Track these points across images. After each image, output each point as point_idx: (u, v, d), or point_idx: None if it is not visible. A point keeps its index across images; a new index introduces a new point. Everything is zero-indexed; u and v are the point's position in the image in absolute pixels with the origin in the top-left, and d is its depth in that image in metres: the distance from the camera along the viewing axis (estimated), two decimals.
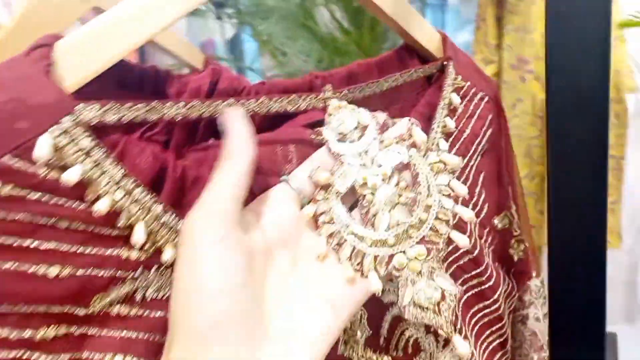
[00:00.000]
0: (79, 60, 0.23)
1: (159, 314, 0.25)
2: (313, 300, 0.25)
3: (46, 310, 0.22)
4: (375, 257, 0.27)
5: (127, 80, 0.27)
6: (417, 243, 0.27)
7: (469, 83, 0.43)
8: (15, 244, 0.21)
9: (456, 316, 0.42)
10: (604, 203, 0.32)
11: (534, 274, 0.52)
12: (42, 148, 0.21)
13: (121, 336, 0.24)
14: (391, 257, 0.27)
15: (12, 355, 0.21)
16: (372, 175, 0.28)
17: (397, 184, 0.28)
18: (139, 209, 0.24)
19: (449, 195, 0.28)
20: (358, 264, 0.26)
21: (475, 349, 0.46)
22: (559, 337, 0.35)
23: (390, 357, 0.36)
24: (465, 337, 0.43)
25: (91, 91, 0.24)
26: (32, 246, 0.21)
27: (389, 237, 0.27)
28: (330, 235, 0.27)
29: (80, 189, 0.22)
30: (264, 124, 0.33)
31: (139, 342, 0.24)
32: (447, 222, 0.27)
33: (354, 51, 1.02)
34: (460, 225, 0.42)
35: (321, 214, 0.27)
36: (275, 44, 1.11)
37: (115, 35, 0.24)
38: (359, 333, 0.33)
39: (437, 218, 0.27)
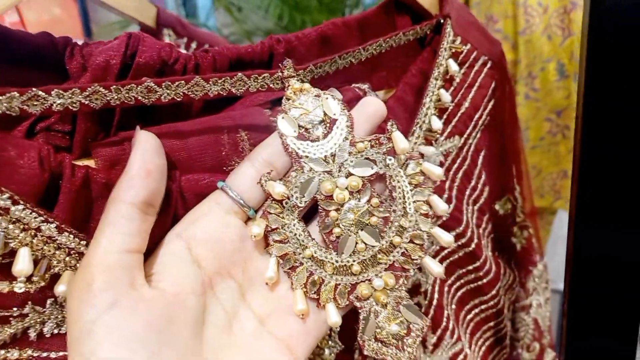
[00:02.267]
0: None
1: (61, 354, 0.20)
2: (264, 344, 0.19)
3: None
4: (336, 286, 0.21)
5: (14, 53, 0.20)
6: (386, 270, 0.22)
7: (469, 46, 0.36)
8: None
9: (448, 317, 0.37)
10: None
11: (537, 259, 0.47)
12: None
13: None
14: (354, 286, 0.22)
15: None
16: (339, 188, 0.22)
17: (369, 201, 0.22)
18: (22, 231, 0.18)
19: (427, 215, 0.23)
20: (314, 293, 0.21)
21: (470, 347, 0.41)
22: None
23: None
24: (459, 339, 0.38)
25: None
26: None
27: (354, 263, 0.22)
28: (283, 257, 0.21)
29: None
30: (209, 103, 0.26)
31: None
32: (421, 246, 0.23)
33: (315, 6, 0.93)
34: (455, 216, 0.36)
35: (273, 230, 0.21)
36: None
37: None
38: (326, 351, 0.28)
39: (411, 242, 0.22)
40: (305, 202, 0.22)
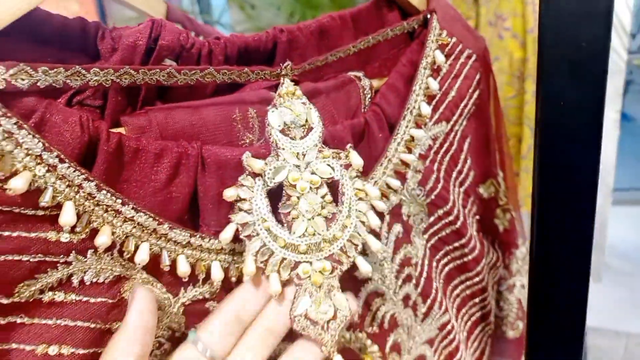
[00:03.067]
0: None
1: (99, 299, 0.22)
2: None
3: None
4: (283, 260, 0.26)
5: (46, 35, 0.23)
6: (325, 258, 0.27)
7: (454, 39, 0.39)
8: None
9: (436, 289, 0.40)
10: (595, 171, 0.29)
11: (520, 243, 0.50)
12: None
13: (56, 324, 0.22)
14: (297, 264, 0.26)
15: None
16: (303, 180, 0.27)
17: (324, 197, 0.27)
18: (67, 187, 0.21)
19: (363, 223, 0.28)
20: (262, 262, 0.25)
21: (456, 321, 0.44)
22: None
23: (365, 334, 0.34)
24: (446, 310, 0.41)
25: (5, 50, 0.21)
26: None
27: (302, 244, 0.26)
28: (243, 225, 0.25)
29: None
30: (221, 86, 0.29)
31: (77, 330, 0.22)
32: (356, 247, 0.28)
33: (327, 4, 0.97)
34: (443, 195, 0.39)
35: (242, 199, 0.25)
36: None
37: None
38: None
39: (349, 240, 0.28)
40: (275, 183, 0.26)
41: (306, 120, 0.28)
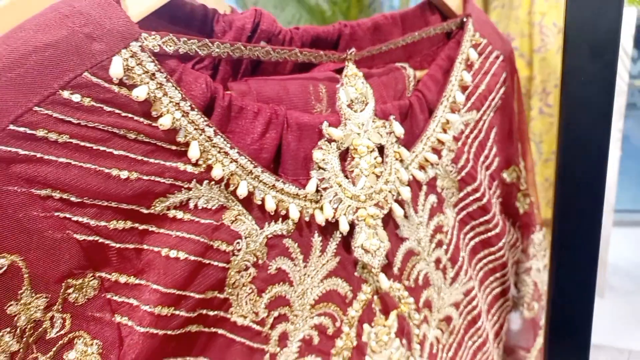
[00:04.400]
0: None
1: (207, 221, 0.29)
2: None
3: (117, 206, 0.25)
4: (348, 206, 0.33)
5: (179, 15, 0.30)
6: (374, 205, 0.34)
7: (486, 40, 0.46)
8: (94, 148, 0.24)
9: (463, 258, 0.46)
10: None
11: (537, 227, 0.55)
12: (116, 67, 0.24)
13: (176, 235, 0.28)
14: (357, 209, 0.34)
15: (90, 238, 0.25)
16: (363, 145, 0.34)
17: (375, 158, 0.35)
18: (195, 129, 0.27)
19: (398, 180, 0.36)
20: (334, 208, 0.33)
21: (479, 292, 0.50)
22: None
23: (402, 286, 0.40)
24: (470, 278, 0.46)
25: (147, 24, 0.27)
26: (107, 151, 0.25)
27: (361, 194, 0.34)
28: (322, 180, 0.32)
29: (146, 106, 0.26)
30: (296, 66, 0.36)
31: (189, 241, 0.28)
32: (393, 196, 0.36)
33: (329, 17, 1.05)
34: (471, 174, 0.45)
35: (322, 159, 0.32)
36: None
37: None
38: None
39: (389, 191, 0.35)
40: (344, 147, 0.33)
41: (365, 97, 0.35)
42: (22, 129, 0.23)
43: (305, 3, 1.23)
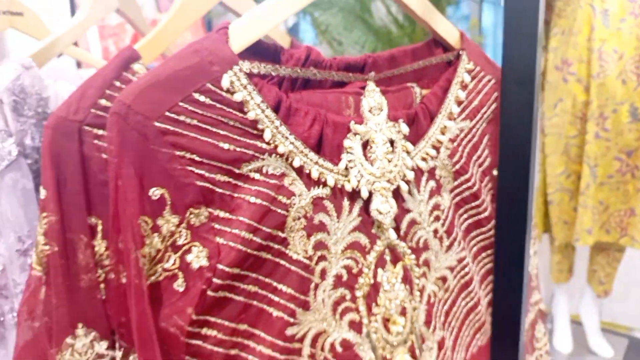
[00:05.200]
0: (240, 36, 0.43)
1: (273, 181, 0.44)
2: None
3: (221, 165, 0.41)
4: (367, 180, 0.48)
5: (260, 50, 0.46)
6: (386, 181, 0.49)
7: (478, 67, 0.60)
8: (209, 129, 0.41)
9: (457, 233, 0.59)
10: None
11: None
12: (225, 81, 0.41)
13: (255, 188, 0.43)
14: (374, 182, 0.48)
15: (205, 185, 0.41)
16: (378, 138, 0.49)
17: (387, 148, 0.50)
18: (268, 121, 0.43)
19: (404, 165, 0.51)
20: (357, 180, 0.47)
21: (473, 265, 0.62)
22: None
23: (406, 245, 0.54)
24: (463, 249, 0.60)
25: (242, 55, 0.44)
26: (217, 131, 0.41)
27: (377, 172, 0.48)
28: (349, 161, 0.47)
29: (241, 105, 0.42)
30: (335, 83, 0.51)
31: (263, 193, 0.43)
32: (400, 176, 0.50)
33: (406, 44, 1.19)
34: (464, 167, 0.59)
35: (350, 147, 0.47)
36: (332, 34, 1.28)
37: (260, 20, 0.43)
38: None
39: (397, 172, 0.50)
40: (365, 139, 0.48)
41: (381, 105, 0.50)
42: (172, 115, 0.39)
43: (372, 26, 1.39)
